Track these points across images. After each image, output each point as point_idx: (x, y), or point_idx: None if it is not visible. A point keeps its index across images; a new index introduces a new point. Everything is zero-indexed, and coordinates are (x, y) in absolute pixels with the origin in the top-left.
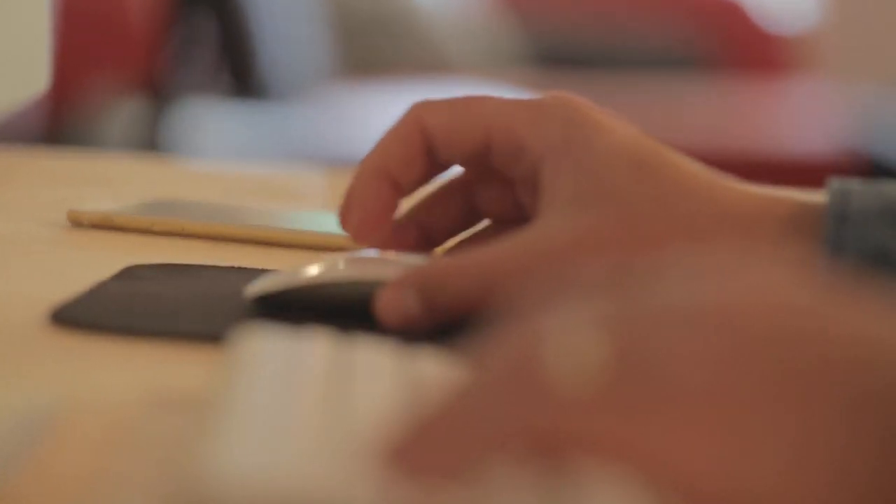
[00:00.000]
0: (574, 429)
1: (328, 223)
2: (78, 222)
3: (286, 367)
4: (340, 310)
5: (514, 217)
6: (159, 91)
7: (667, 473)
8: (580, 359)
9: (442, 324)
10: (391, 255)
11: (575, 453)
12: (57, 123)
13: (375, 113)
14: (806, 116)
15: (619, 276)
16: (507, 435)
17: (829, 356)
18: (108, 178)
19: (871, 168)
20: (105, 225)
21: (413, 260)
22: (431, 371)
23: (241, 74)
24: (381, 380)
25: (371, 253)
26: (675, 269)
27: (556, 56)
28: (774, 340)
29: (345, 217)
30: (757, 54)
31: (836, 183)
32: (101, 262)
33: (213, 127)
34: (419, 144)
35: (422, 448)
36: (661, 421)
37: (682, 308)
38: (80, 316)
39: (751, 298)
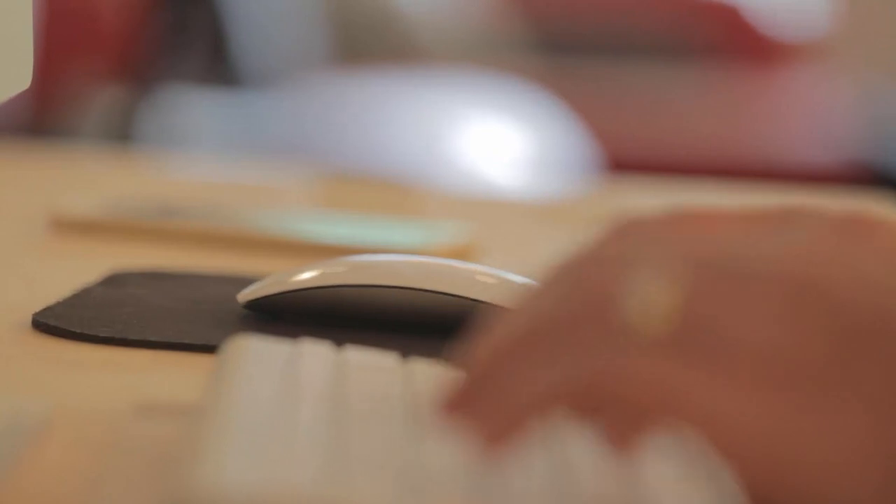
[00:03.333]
0: (637, 370)
1: (319, 226)
2: (61, 224)
3: (279, 379)
4: (335, 315)
5: None
6: (141, 81)
7: (717, 428)
8: (652, 303)
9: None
10: (392, 259)
11: (634, 396)
12: (37, 114)
13: (361, 103)
14: (808, 120)
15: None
16: (575, 370)
17: None
18: (93, 179)
19: (874, 176)
20: (89, 227)
21: (417, 262)
22: (427, 383)
23: (223, 63)
24: (375, 392)
25: (370, 257)
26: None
27: (555, 45)
28: (850, 313)
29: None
30: (759, 56)
31: None
32: (85, 265)
33: (195, 117)
34: None
35: (495, 370)
36: (717, 375)
37: (768, 269)
38: (62, 323)
39: (846, 271)
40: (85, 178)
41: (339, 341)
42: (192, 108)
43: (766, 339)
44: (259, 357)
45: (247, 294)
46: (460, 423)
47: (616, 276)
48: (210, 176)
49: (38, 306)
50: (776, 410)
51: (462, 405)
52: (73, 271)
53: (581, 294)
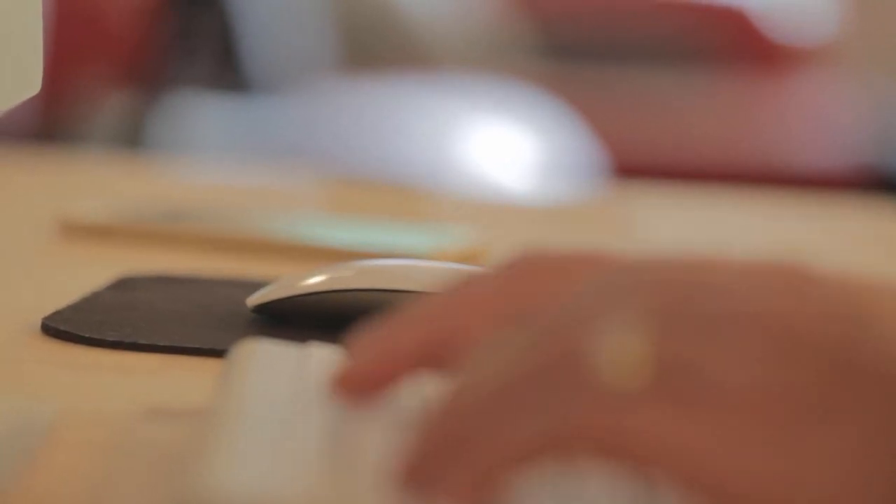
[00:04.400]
0: (617, 423)
1: (327, 230)
2: (71, 229)
3: (288, 383)
4: (343, 319)
5: None
6: (150, 86)
7: (706, 472)
8: (626, 353)
9: None
10: (401, 263)
11: (616, 449)
12: (46, 119)
13: (369, 107)
14: (815, 125)
15: (679, 272)
16: (551, 427)
17: (886, 367)
18: (102, 184)
19: (881, 181)
20: (98, 231)
21: (425, 266)
22: (436, 388)
23: (232, 68)
24: (383, 398)
25: (379, 261)
26: (746, 278)
27: (561, 49)
28: (828, 347)
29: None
30: (766, 60)
31: None
32: (94, 269)
33: (204, 121)
34: (505, 317)
35: (460, 435)
36: (704, 420)
37: (736, 308)
38: (71, 327)
39: (810, 307)
40: (94, 183)
41: (347, 346)
42: (200, 112)
43: (750, 379)
44: (267, 361)
45: (255, 298)
46: (424, 488)
47: (583, 329)
48: (218, 180)
49: (48, 310)
50: (764, 452)
51: (425, 470)
52: (82, 275)
53: (549, 348)
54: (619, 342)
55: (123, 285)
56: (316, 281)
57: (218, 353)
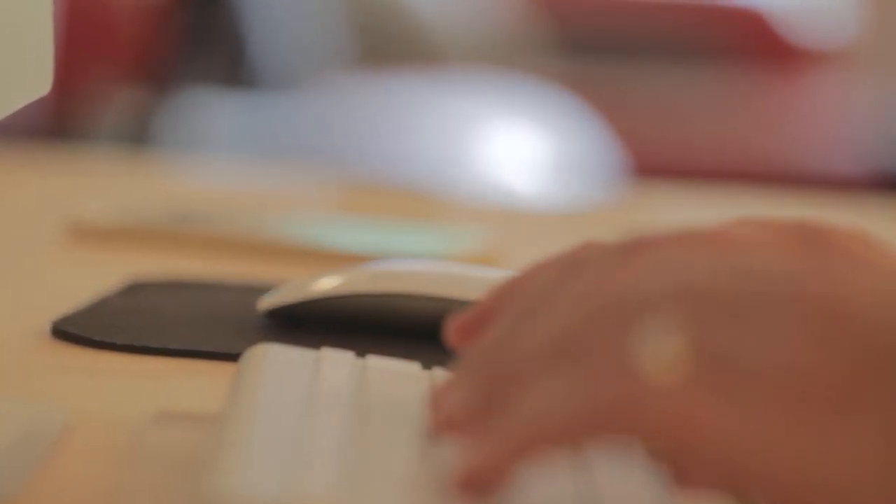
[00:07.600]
0: (653, 407)
1: (339, 232)
2: (80, 231)
3: (300, 387)
4: (356, 323)
5: None
6: (160, 84)
7: (735, 458)
8: (664, 346)
9: None
10: (414, 266)
11: (652, 433)
12: (56, 118)
13: (381, 106)
14: (831, 127)
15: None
16: (588, 409)
17: None
18: (112, 184)
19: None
20: (108, 234)
21: (439, 270)
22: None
23: (242, 66)
24: (397, 401)
25: (391, 264)
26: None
27: (578, 48)
28: (864, 331)
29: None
30: (783, 62)
31: None
32: (104, 273)
33: (214, 120)
34: None
35: (506, 415)
36: (737, 406)
37: (773, 290)
38: (81, 331)
39: (847, 286)
40: (104, 184)
41: (361, 350)
42: (211, 110)
43: (786, 362)
44: (280, 365)
45: (267, 302)
46: (459, 439)
47: (622, 323)
48: (229, 181)
49: (58, 314)
50: (799, 434)
51: (465, 425)
52: (92, 279)
53: (591, 338)
54: (658, 335)
55: (133, 289)
56: (327, 285)
57: (229, 358)
